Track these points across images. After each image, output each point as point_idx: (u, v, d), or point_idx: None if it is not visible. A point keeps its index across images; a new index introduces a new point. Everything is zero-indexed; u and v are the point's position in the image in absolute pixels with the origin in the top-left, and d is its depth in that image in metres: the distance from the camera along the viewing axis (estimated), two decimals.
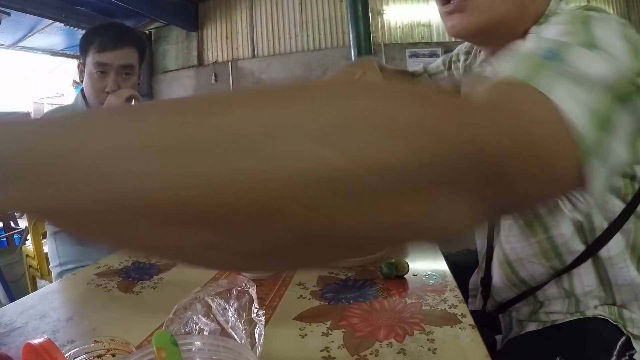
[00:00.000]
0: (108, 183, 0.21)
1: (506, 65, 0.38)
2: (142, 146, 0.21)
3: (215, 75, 8.94)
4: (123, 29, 1.48)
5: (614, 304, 0.80)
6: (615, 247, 0.76)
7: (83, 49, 1.43)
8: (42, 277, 1.88)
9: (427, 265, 0.94)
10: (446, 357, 0.58)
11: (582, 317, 0.80)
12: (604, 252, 0.76)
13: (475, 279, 1.02)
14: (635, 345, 0.75)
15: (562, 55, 0.39)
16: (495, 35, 0.71)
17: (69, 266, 1.50)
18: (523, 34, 0.67)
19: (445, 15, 0.72)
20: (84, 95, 1.47)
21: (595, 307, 0.80)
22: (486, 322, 0.89)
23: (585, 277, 0.79)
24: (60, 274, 1.51)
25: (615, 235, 0.75)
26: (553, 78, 0.34)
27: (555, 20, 0.54)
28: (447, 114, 0.26)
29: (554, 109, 0.31)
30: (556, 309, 0.82)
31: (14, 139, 0.23)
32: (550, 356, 0.74)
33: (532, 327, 0.84)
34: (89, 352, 0.54)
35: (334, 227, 0.22)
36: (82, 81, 1.47)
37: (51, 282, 1.51)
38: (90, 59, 1.40)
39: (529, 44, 0.46)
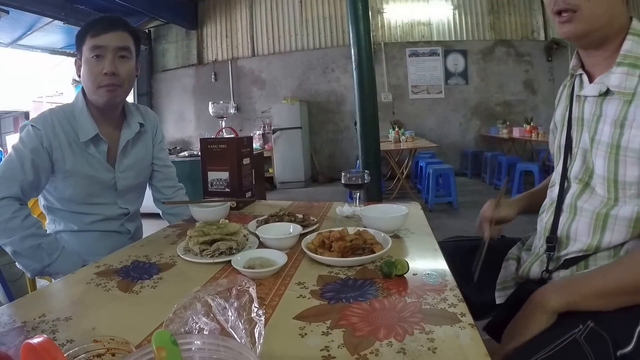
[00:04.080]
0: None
1: None
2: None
3: (215, 74, 8.94)
4: (117, 17, 1.45)
5: None
6: None
7: (79, 41, 1.40)
8: (41, 277, 1.88)
9: (426, 264, 0.94)
10: (446, 357, 0.58)
11: None
12: None
13: (512, 265, 1.18)
14: None
15: None
16: (592, 38, 0.97)
17: None
18: (608, 36, 0.96)
19: (558, 23, 0.98)
20: (84, 94, 1.46)
21: None
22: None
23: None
24: None
25: None
26: None
27: None
28: None
29: None
30: None
31: None
32: (582, 321, 0.82)
33: None
34: (88, 352, 0.54)
35: None
36: (80, 76, 1.44)
37: (50, 281, 1.51)
38: (86, 47, 1.37)
39: None
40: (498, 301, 1.15)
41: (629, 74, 0.92)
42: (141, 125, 1.58)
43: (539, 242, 1.10)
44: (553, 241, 1.04)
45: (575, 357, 0.78)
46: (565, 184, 1.07)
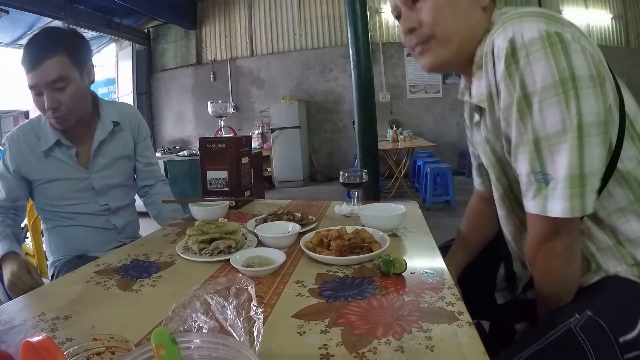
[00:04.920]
0: None
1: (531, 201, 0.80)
2: None
3: (214, 74, 8.93)
4: (42, 41, 1.33)
5: (635, 262, 0.85)
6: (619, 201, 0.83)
7: None
8: (41, 275, 1.88)
9: (424, 263, 0.95)
10: (444, 355, 0.58)
11: (605, 275, 0.86)
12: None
13: (504, 270, 1.16)
14: None
15: (548, 175, 0.76)
16: (459, 61, 0.91)
17: (61, 257, 1.52)
18: (476, 46, 0.87)
19: (417, 57, 0.93)
20: None
21: (617, 266, 0.86)
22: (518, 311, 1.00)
23: (593, 237, 0.87)
24: (53, 263, 1.54)
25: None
26: (549, 202, 0.77)
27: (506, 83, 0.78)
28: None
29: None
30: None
31: None
32: (579, 310, 0.77)
33: None
34: (88, 350, 0.54)
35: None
36: None
37: (50, 279, 1.51)
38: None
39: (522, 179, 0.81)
40: (499, 301, 1.15)
41: (478, 79, 0.86)
42: (115, 123, 1.56)
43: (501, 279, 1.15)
44: (512, 277, 1.08)
45: (570, 347, 0.75)
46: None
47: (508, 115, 0.79)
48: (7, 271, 1.25)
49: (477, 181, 1.24)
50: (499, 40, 0.78)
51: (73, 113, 1.39)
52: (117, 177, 1.59)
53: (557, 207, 0.76)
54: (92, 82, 1.47)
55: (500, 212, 0.98)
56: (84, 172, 1.50)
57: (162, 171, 1.79)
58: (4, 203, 1.45)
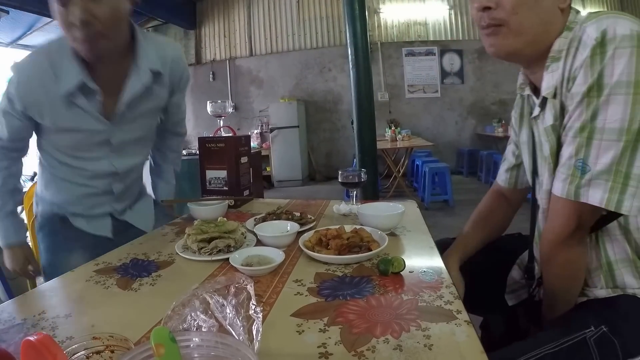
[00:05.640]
0: None
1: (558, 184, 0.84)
2: None
3: (213, 74, 8.92)
4: None
5: None
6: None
7: None
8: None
9: (423, 262, 0.95)
10: (442, 353, 0.59)
11: (623, 294, 0.87)
12: (632, 223, 0.86)
13: (516, 272, 1.16)
14: None
15: (587, 165, 0.78)
16: (527, 54, 0.89)
17: (44, 207, 1.41)
18: (547, 47, 0.86)
19: (484, 37, 0.90)
20: None
21: (633, 283, 0.88)
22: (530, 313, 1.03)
23: (616, 246, 0.88)
24: (37, 202, 1.44)
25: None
26: (586, 189, 0.78)
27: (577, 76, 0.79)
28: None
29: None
30: (597, 284, 0.91)
31: None
32: (595, 324, 0.80)
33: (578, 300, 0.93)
34: (87, 349, 0.54)
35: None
36: None
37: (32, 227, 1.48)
38: None
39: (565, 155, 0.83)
40: (510, 303, 1.15)
41: (552, 71, 0.86)
42: (156, 74, 1.27)
43: (518, 274, 1.14)
44: (532, 270, 1.07)
45: (581, 357, 0.78)
46: (536, 209, 1.05)
47: (576, 99, 0.80)
48: (9, 262, 1.28)
49: (502, 177, 1.24)
50: (590, 29, 0.78)
51: (108, 37, 1.10)
52: (138, 131, 1.36)
53: (597, 196, 0.77)
54: (137, 3, 1.18)
55: (545, 205, 0.96)
56: (104, 124, 1.24)
57: None
58: (6, 144, 1.24)
